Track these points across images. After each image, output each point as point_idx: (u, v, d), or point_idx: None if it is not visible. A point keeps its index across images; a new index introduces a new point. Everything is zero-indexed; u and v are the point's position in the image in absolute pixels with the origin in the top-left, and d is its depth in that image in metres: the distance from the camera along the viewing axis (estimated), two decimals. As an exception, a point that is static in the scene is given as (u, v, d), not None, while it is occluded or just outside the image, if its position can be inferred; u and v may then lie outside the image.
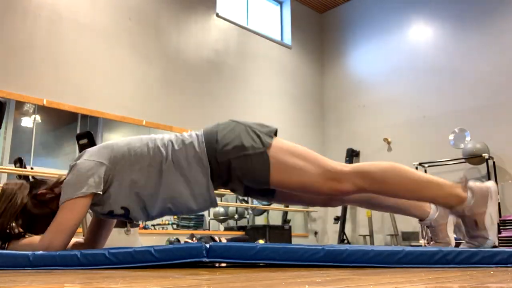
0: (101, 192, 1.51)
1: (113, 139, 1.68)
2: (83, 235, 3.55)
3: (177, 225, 5.44)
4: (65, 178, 1.55)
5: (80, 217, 1.49)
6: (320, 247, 1.34)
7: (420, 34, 6.41)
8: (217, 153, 1.52)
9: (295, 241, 6.13)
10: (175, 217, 5.36)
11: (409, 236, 6.07)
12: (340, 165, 1.55)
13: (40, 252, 1.37)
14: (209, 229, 5.85)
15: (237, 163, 1.51)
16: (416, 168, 5.78)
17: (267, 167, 1.51)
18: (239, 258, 1.34)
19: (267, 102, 6.56)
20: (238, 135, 1.54)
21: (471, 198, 1.50)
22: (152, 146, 1.56)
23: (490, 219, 1.49)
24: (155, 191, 1.54)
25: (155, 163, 1.53)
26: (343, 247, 1.36)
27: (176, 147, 1.55)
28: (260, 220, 6.38)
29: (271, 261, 1.32)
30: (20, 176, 4.28)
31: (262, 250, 1.34)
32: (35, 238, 1.53)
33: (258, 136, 1.54)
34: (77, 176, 1.49)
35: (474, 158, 5.28)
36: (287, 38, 7.18)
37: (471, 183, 1.56)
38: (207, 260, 1.33)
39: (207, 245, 1.37)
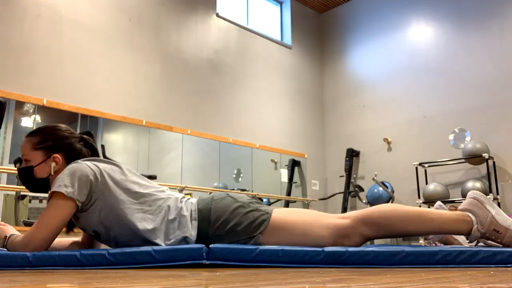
0: (80, 204, 1.51)
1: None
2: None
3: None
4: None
5: (63, 218, 1.48)
6: (320, 249, 1.34)
7: (420, 34, 6.41)
8: (209, 236, 1.53)
9: (295, 241, 6.12)
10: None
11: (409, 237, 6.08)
12: (340, 218, 1.53)
13: (41, 252, 1.37)
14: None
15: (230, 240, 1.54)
16: (416, 168, 5.78)
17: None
18: (239, 261, 1.34)
19: (267, 102, 6.56)
20: (231, 218, 1.53)
21: (473, 216, 1.49)
22: (151, 199, 1.58)
23: (502, 217, 1.47)
24: (130, 239, 1.55)
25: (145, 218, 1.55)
26: (343, 248, 1.36)
27: (170, 216, 1.56)
28: (260, 220, 6.37)
29: (271, 263, 1.33)
30: (20, 176, 4.28)
31: (262, 252, 1.34)
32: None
33: (253, 222, 1.53)
34: (68, 175, 1.52)
35: (474, 158, 5.28)
36: (287, 38, 7.18)
37: (460, 206, 1.55)
38: (207, 262, 1.34)
39: (207, 248, 1.37)
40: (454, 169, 5.77)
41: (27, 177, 1.63)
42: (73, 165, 1.55)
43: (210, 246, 1.37)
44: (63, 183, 1.49)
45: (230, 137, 5.89)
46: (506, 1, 5.66)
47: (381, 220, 1.49)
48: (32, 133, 1.67)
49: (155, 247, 1.37)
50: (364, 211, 1.52)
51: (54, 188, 1.49)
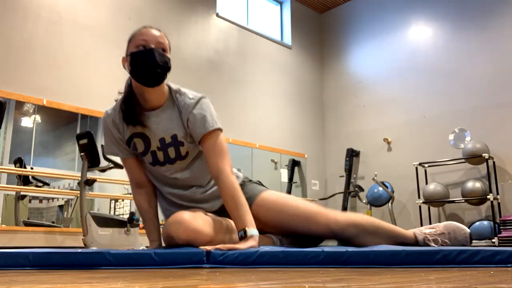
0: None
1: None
2: (83, 235, 3.54)
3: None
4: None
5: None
6: (320, 250, 1.34)
7: (420, 34, 6.41)
8: None
9: (295, 241, 6.12)
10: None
11: (409, 236, 6.07)
12: (334, 223, 1.71)
13: (40, 251, 1.37)
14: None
15: None
16: (416, 168, 5.78)
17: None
18: (239, 264, 1.34)
19: (267, 102, 6.56)
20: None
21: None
22: None
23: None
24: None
25: None
26: (343, 249, 1.36)
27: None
28: (260, 220, 6.37)
29: (272, 265, 1.33)
30: (20, 176, 4.28)
31: (262, 255, 1.34)
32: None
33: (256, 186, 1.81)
34: (211, 110, 1.70)
35: (474, 158, 5.27)
36: (287, 38, 7.18)
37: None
38: (207, 266, 1.34)
39: (207, 251, 1.37)
40: (454, 169, 5.76)
41: (162, 62, 1.60)
42: (206, 103, 1.71)
43: (210, 249, 1.37)
44: (217, 119, 1.69)
45: (230, 137, 5.89)
46: (505, 1, 5.66)
47: (369, 228, 1.69)
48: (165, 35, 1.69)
49: (156, 250, 1.36)
50: (357, 217, 1.74)
51: (216, 125, 1.65)
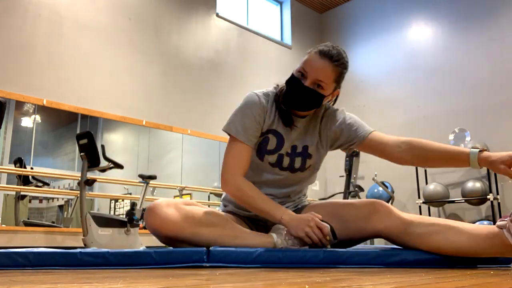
0: None
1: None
2: (83, 235, 3.54)
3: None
4: None
5: None
6: (320, 249, 1.34)
7: (420, 34, 6.41)
8: None
9: (295, 241, 6.12)
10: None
11: (409, 236, 6.07)
12: None
13: (40, 250, 1.37)
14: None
15: None
16: (416, 168, 5.77)
17: None
18: (239, 263, 1.34)
19: (267, 102, 6.56)
20: None
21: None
22: None
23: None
24: None
25: None
26: (343, 249, 1.36)
27: None
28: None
29: (271, 264, 1.33)
30: (20, 176, 4.28)
31: (261, 254, 1.34)
32: None
33: None
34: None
35: (474, 158, 5.27)
36: (287, 38, 7.18)
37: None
38: (207, 264, 1.34)
39: (208, 250, 1.37)
40: (454, 169, 5.76)
41: (311, 100, 1.57)
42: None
43: (210, 248, 1.37)
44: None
45: (230, 137, 5.89)
46: (505, 1, 5.66)
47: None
48: (341, 63, 1.60)
49: (156, 249, 1.37)
50: None
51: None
